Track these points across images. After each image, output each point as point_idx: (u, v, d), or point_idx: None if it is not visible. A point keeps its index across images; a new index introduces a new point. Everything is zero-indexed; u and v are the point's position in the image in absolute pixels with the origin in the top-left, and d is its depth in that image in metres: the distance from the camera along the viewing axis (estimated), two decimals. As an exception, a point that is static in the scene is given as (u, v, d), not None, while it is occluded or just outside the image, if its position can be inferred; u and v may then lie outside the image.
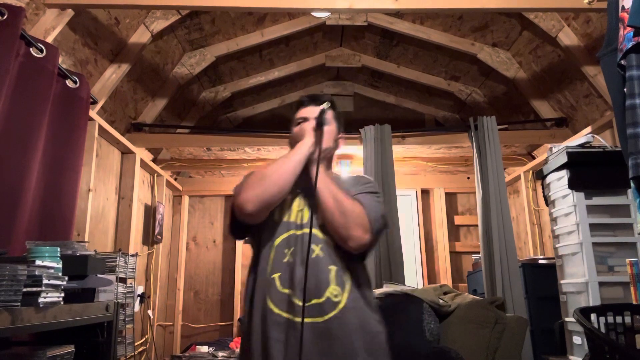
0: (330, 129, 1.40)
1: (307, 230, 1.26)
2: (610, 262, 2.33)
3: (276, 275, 1.25)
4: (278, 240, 1.30)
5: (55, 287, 1.45)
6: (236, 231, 1.38)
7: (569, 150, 2.46)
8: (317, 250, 1.27)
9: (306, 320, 1.18)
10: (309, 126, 1.36)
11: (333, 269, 1.25)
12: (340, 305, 1.22)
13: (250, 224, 1.31)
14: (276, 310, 1.21)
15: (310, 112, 1.40)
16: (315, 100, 1.44)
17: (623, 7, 1.69)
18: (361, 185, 1.41)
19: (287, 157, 1.31)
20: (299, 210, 1.34)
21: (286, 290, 1.23)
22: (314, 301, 1.21)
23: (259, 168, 1.32)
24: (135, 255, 2.80)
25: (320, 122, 1.33)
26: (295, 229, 1.30)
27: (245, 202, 1.24)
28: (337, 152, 1.49)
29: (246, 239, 1.42)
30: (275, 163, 1.30)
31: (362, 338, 1.21)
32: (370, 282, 1.37)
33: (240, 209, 1.26)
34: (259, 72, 3.99)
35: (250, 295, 1.29)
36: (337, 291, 1.23)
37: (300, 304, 1.19)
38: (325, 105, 1.36)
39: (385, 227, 1.34)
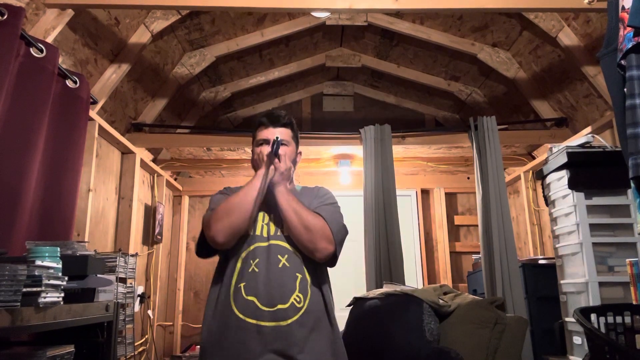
0: (288, 149, 1.52)
1: (272, 242, 1.41)
2: (610, 262, 2.33)
3: (242, 285, 1.36)
4: (244, 253, 1.41)
5: (55, 287, 1.45)
6: (204, 254, 1.50)
7: (569, 150, 2.46)
8: (283, 260, 1.40)
9: (270, 324, 1.31)
10: (266, 152, 1.47)
11: (298, 276, 1.39)
12: (302, 311, 1.35)
13: (223, 250, 1.45)
14: (241, 316, 1.33)
15: (270, 134, 1.51)
16: (274, 122, 1.53)
17: (623, 7, 1.69)
18: (320, 197, 1.55)
19: (250, 187, 1.43)
20: (264, 224, 1.45)
21: (251, 298, 1.34)
22: (279, 306, 1.33)
23: (226, 200, 1.42)
24: (135, 255, 2.80)
25: (275, 152, 1.44)
26: (261, 242, 1.42)
27: (217, 234, 1.37)
28: (294, 169, 1.60)
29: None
30: (239, 194, 1.41)
31: (319, 337, 1.35)
32: (329, 285, 1.50)
33: (213, 240, 1.38)
34: (259, 72, 3.99)
35: (214, 303, 1.40)
36: (300, 298, 1.36)
37: (265, 308, 1.32)
38: (277, 137, 1.46)
39: (346, 234, 1.48)
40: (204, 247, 1.46)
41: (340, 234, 1.44)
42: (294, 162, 1.58)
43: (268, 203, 1.47)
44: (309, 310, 1.36)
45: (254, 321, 1.31)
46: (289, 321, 1.32)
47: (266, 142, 1.52)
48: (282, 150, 1.48)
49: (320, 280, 1.45)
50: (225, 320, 1.35)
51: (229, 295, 1.37)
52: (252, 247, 1.41)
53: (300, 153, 1.64)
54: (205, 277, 4.41)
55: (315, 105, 4.69)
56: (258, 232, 1.44)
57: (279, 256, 1.40)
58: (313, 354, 1.32)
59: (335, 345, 1.40)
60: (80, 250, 1.86)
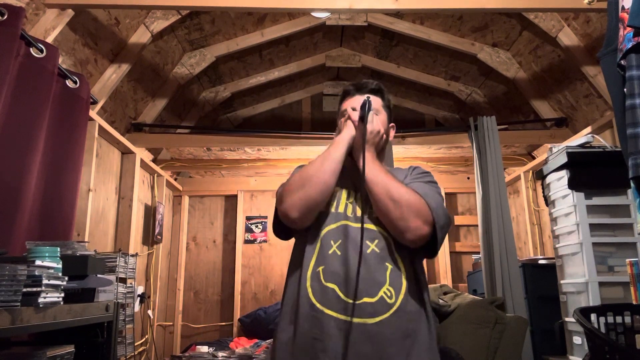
0: (378, 117, 1.30)
1: (357, 224, 1.18)
2: (610, 262, 2.33)
3: (320, 269, 1.16)
4: (324, 231, 1.21)
5: (55, 287, 1.45)
6: (282, 234, 1.31)
7: (569, 150, 2.46)
8: (372, 245, 1.17)
9: (356, 320, 1.08)
10: (353, 117, 1.27)
11: (389, 267, 1.16)
12: (394, 308, 1.11)
13: (300, 228, 1.24)
14: (319, 306, 1.12)
15: (357, 102, 1.31)
16: (361, 89, 1.35)
17: (623, 7, 1.69)
18: (416, 174, 1.33)
19: (327, 155, 1.22)
20: (349, 202, 1.24)
21: (331, 285, 1.13)
22: (365, 299, 1.10)
23: (299, 171, 1.24)
24: (135, 255, 2.80)
25: (362, 115, 1.25)
26: (346, 221, 1.21)
27: (290, 209, 1.18)
28: (387, 143, 1.38)
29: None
30: (315, 163, 1.22)
31: (414, 343, 1.12)
32: (427, 284, 1.26)
33: (286, 216, 1.19)
34: (259, 72, 3.99)
35: (293, 287, 1.20)
36: (391, 292, 1.13)
37: (347, 299, 1.10)
38: (368, 97, 1.27)
39: (449, 222, 1.21)
40: (280, 225, 1.27)
41: (441, 215, 1.17)
42: (387, 134, 1.35)
43: (355, 180, 1.26)
44: (402, 308, 1.12)
45: (333, 313, 1.09)
46: (378, 319, 1.09)
47: (353, 110, 1.30)
48: (371, 116, 1.25)
49: (417, 274, 1.20)
50: (298, 308, 1.14)
51: (306, 279, 1.15)
52: (334, 226, 1.21)
53: (393, 127, 1.42)
54: (205, 277, 4.42)
55: (315, 105, 4.69)
56: (342, 210, 1.23)
57: (368, 241, 1.17)
58: None
59: (432, 354, 1.15)
60: (80, 250, 1.86)
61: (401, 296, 1.13)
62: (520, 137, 3.67)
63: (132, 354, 2.63)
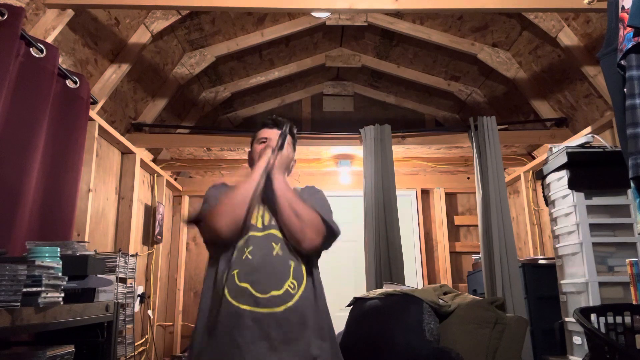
0: (288, 146, 1.56)
1: (267, 231, 1.43)
2: (610, 262, 2.33)
3: (235, 272, 1.36)
4: (240, 242, 1.41)
5: (55, 287, 1.45)
6: (211, 247, 1.51)
7: (569, 150, 2.46)
8: (277, 248, 1.41)
9: (265, 310, 1.30)
10: (270, 146, 1.52)
11: (292, 264, 1.40)
12: (296, 297, 1.35)
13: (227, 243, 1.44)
14: (234, 303, 1.32)
15: (272, 134, 1.57)
16: (278, 124, 1.60)
17: (623, 7, 1.69)
18: (314, 194, 1.59)
19: (251, 180, 1.44)
20: (258, 215, 1.47)
21: (244, 284, 1.33)
22: (273, 293, 1.33)
23: (228, 194, 1.42)
24: (135, 255, 2.80)
25: (281, 144, 1.50)
26: (256, 231, 1.43)
27: (222, 230, 1.37)
28: (290, 175, 1.64)
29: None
30: (241, 189, 1.42)
31: (314, 325, 1.36)
32: (319, 273, 1.51)
33: (218, 235, 1.39)
34: (259, 72, 3.99)
35: (208, 292, 1.40)
36: (294, 284, 1.37)
37: (258, 295, 1.32)
38: (285, 128, 1.53)
39: (336, 234, 1.47)
40: (211, 243, 1.49)
41: (330, 229, 1.45)
42: (290, 168, 1.62)
43: (263, 194, 1.49)
44: (304, 296, 1.37)
45: (247, 307, 1.31)
46: (283, 307, 1.32)
47: (266, 140, 1.57)
48: (286, 144, 1.53)
49: (313, 267, 1.47)
50: (217, 307, 1.35)
51: (222, 282, 1.36)
52: (246, 236, 1.42)
53: (295, 161, 1.69)
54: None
55: (315, 105, 4.69)
56: (253, 222, 1.45)
57: (273, 244, 1.41)
58: (304, 341, 1.33)
59: (326, 329, 1.41)
60: (80, 250, 1.86)
61: (302, 286, 1.38)
62: (520, 137, 3.67)
63: (132, 354, 2.63)
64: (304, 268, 1.42)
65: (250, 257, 1.38)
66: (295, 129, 1.66)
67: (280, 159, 1.50)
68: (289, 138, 1.59)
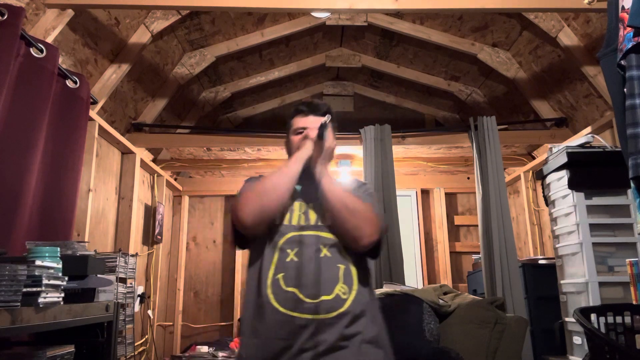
0: (330, 134, 1.44)
1: (310, 232, 1.31)
2: (610, 262, 2.33)
3: (280, 275, 1.26)
4: (281, 242, 1.31)
5: (55, 287, 1.45)
6: (239, 243, 1.39)
7: (569, 150, 2.46)
8: (324, 250, 1.29)
9: (315, 316, 1.20)
10: (310, 136, 1.39)
11: (341, 267, 1.29)
12: (348, 302, 1.24)
13: (251, 236, 1.35)
14: (282, 309, 1.22)
15: (309, 122, 1.44)
16: (314, 110, 1.47)
17: (623, 7, 1.69)
18: (361, 187, 1.46)
19: (286, 170, 1.33)
20: (301, 213, 1.36)
21: (291, 289, 1.23)
22: (323, 298, 1.22)
23: (259, 182, 1.33)
24: (135, 255, 2.80)
25: (321, 134, 1.37)
26: (299, 231, 1.32)
27: (246, 216, 1.27)
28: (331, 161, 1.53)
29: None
30: (273, 176, 1.33)
31: (369, 332, 1.25)
32: (373, 279, 1.40)
33: (241, 222, 1.29)
34: (259, 72, 3.99)
35: (253, 296, 1.30)
36: (345, 289, 1.25)
37: (307, 300, 1.21)
38: (326, 119, 1.39)
39: (386, 229, 1.38)
40: (238, 236, 1.37)
41: (383, 224, 1.34)
42: (331, 156, 1.50)
43: (306, 192, 1.37)
44: (356, 302, 1.25)
45: (295, 314, 1.21)
46: (335, 313, 1.22)
47: (304, 130, 1.44)
48: (327, 134, 1.41)
49: (366, 271, 1.35)
50: (263, 315, 1.24)
51: (267, 287, 1.26)
52: (289, 236, 1.32)
53: (334, 150, 1.56)
54: (205, 277, 4.42)
55: (315, 106, 4.68)
56: (295, 222, 1.34)
57: (321, 246, 1.30)
58: (358, 347, 1.23)
59: (380, 337, 1.30)
60: (80, 250, 1.86)
61: (353, 291, 1.27)
62: (520, 137, 3.67)
63: (132, 354, 2.63)
64: (354, 272, 1.30)
65: (295, 259, 1.28)
66: (332, 111, 1.51)
67: (322, 151, 1.37)
68: (330, 128, 1.46)
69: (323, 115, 1.45)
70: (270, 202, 1.28)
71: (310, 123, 1.43)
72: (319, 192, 1.32)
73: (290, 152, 1.46)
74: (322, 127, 1.37)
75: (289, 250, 1.29)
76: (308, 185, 1.36)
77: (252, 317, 1.27)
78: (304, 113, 1.48)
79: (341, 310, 1.23)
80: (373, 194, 1.45)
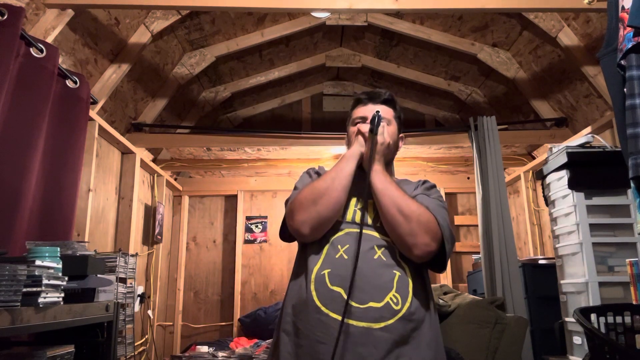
0: (389, 128, 1.32)
1: (367, 231, 1.20)
2: (610, 262, 2.33)
3: (326, 272, 1.15)
4: (333, 237, 1.21)
5: (55, 287, 1.45)
6: (289, 238, 1.31)
7: (569, 150, 2.45)
8: (379, 252, 1.18)
9: (361, 324, 1.08)
10: (363, 129, 1.29)
11: (397, 274, 1.16)
12: (400, 314, 1.10)
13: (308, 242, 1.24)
14: (324, 309, 1.11)
15: (369, 111, 1.33)
16: (373, 98, 1.36)
17: (623, 7, 1.69)
18: (424, 188, 1.32)
19: (338, 170, 1.23)
20: (357, 209, 1.24)
21: (337, 288, 1.12)
22: (371, 304, 1.10)
23: (313, 185, 1.23)
24: (135, 255, 2.80)
25: (372, 129, 1.26)
26: (353, 228, 1.21)
27: (301, 226, 1.18)
28: (396, 153, 1.40)
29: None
30: (326, 178, 1.22)
31: (417, 352, 1.11)
32: (432, 293, 1.26)
33: (297, 232, 1.20)
34: (259, 72, 3.99)
35: (297, 289, 1.20)
36: (398, 299, 1.12)
37: (354, 304, 1.09)
38: (377, 111, 1.28)
39: (454, 240, 1.23)
40: (287, 233, 1.28)
41: (447, 233, 1.18)
42: (396, 146, 1.36)
43: (364, 187, 1.24)
44: (408, 316, 1.11)
45: (338, 317, 1.08)
46: (383, 324, 1.08)
47: (363, 119, 1.33)
48: (381, 128, 1.26)
49: (424, 282, 1.21)
50: (304, 313, 1.13)
51: (310, 283, 1.14)
52: (342, 233, 1.20)
53: (402, 137, 1.42)
54: (205, 277, 4.42)
55: (315, 105, 4.69)
56: (349, 218, 1.23)
57: (375, 247, 1.17)
58: None
59: (429, 356, 1.14)
60: (80, 250, 1.86)
61: (407, 303, 1.12)
62: (520, 137, 3.67)
63: (132, 354, 2.63)
64: (410, 281, 1.16)
65: (345, 257, 1.15)
66: (397, 100, 1.38)
67: (377, 147, 1.24)
68: (390, 114, 1.34)
69: (383, 103, 1.35)
70: (327, 209, 1.17)
71: (369, 112, 1.32)
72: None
73: (348, 145, 1.36)
74: (374, 120, 1.25)
75: (339, 246, 1.18)
76: (365, 180, 1.24)
77: (293, 312, 1.17)
78: (363, 102, 1.37)
79: (391, 321, 1.09)
80: (439, 197, 1.29)
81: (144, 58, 3.09)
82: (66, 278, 1.52)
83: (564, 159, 2.44)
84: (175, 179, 4.38)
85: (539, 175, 2.78)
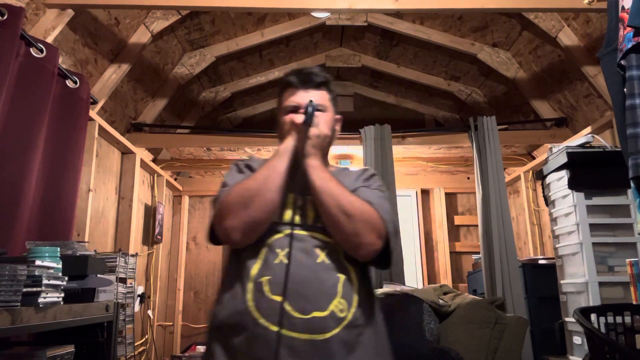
0: (324, 116, 1.17)
1: (306, 232, 1.09)
2: (610, 262, 2.33)
3: (265, 279, 1.03)
4: (271, 239, 1.08)
5: (55, 287, 1.45)
6: (216, 241, 1.14)
7: (569, 150, 2.46)
8: (322, 255, 1.06)
9: (304, 336, 0.98)
10: (296, 121, 1.14)
11: (341, 278, 1.05)
12: (345, 322, 1.01)
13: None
14: (263, 322, 0.99)
15: (300, 98, 1.17)
16: (306, 82, 1.19)
17: (623, 7, 1.69)
18: (365, 178, 1.21)
19: (270, 168, 1.09)
20: (297, 207, 1.12)
21: (277, 298, 1.00)
22: (315, 314, 0.99)
23: (243, 185, 1.09)
24: (135, 255, 2.80)
25: (306, 121, 1.11)
26: (292, 229, 1.09)
27: (232, 231, 1.05)
28: (334, 140, 1.25)
29: None
30: (258, 177, 1.08)
31: (364, 357, 1.03)
32: (374, 292, 1.18)
33: (227, 237, 1.06)
34: (259, 72, 3.99)
35: (229, 298, 1.06)
36: (344, 305, 1.02)
37: (296, 315, 0.98)
38: (310, 101, 1.13)
39: (398, 231, 1.16)
40: (215, 236, 1.13)
41: (391, 227, 1.09)
42: (333, 134, 1.21)
43: (302, 182, 1.11)
44: (353, 322, 1.02)
45: (279, 330, 0.98)
46: (327, 335, 0.98)
47: (296, 108, 1.17)
48: (316, 118, 1.13)
49: (369, 283, 1.13)
50: (239, 326, 1.01)
51: (247, 292, 1.02)
52: (281, 235, 1.08)
53: (339, 119, 1.27)
54: (205, 277, 4.42)
55: (315, 105, 4.68)
56: (287, 218, 1.10)
57: (318, 249, 1.06)
58: None
59: None
60: (80, 250, 1.86)
61: (353, 308, 1.03)
62: (520, 137, 3.67)
63: (132, 354, 2.63)
64: (356, 284, 1.07)
65: (286, 261, 1.03)
66: (331, 81, 1.23)
67: (313, 140, 1.11)
68: (325, 98, 1.19)
69: (317, 87, 1.19)
70: (260, 212, 1.04)
71: (301, 99, 1.16)
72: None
73: (280, 136, 1.19)
74: (307, 111, 1.11)
75: (278, 250, 1.06)
76: (304, 181, 1.11)
77: (225, 328, 1.04)
78: (295, 86, 1.19)
79: (336, 330, 0.99)
80: (379, 186, 1.19)
81: (144, 58, 3.09)
82: (66, 278, 1.52)
83: (564, 159, 2.44)
84: (175, 179, 4.38)
85: (539, 175, 2.78)
